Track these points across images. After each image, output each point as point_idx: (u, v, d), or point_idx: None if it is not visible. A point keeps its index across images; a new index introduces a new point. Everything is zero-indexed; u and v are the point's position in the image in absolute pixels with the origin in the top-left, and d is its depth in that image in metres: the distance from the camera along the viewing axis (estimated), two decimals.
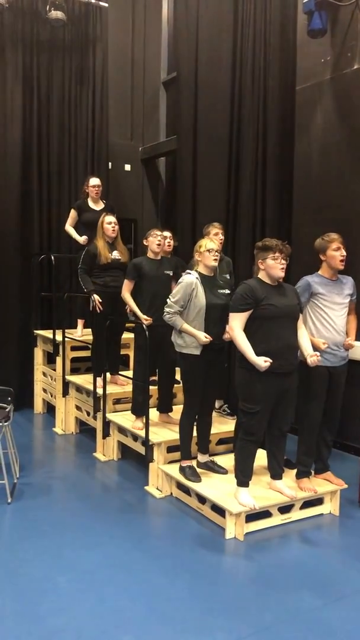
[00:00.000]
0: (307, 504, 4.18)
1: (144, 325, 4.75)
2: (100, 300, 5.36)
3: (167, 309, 4.24)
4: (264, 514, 3.97)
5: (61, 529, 3.93)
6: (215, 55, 5.90)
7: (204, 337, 4.11)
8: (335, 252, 4.12)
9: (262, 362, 3.67)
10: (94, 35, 7.24)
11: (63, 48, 7.01)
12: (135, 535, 3.88)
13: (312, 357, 3.84)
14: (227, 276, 5.04)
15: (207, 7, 5.96)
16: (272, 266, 3.78)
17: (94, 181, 6.25)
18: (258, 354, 3.73)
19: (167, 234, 5.53)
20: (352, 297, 4.26)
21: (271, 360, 3.68)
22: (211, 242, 4.27)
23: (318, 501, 4.24)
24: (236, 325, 3.80)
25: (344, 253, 4.14)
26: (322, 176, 5.84)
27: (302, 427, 4.26)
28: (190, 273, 4.26)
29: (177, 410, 4.97)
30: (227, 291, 4.32)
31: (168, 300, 4.26)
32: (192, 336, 4.15)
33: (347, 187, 5.54)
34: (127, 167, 8.58)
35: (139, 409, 4.93)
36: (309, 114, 5.94)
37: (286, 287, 3.93)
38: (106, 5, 7.27)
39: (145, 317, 4.84)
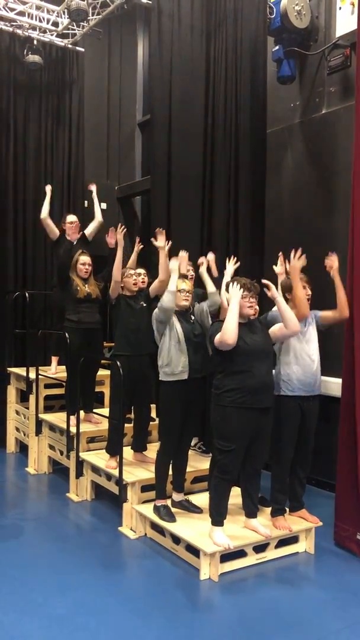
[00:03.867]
0: (282, 542, 4.14)
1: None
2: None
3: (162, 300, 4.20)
4: (239, 553, 3.92)
5: (32, 572, 3.83)
6: (189, 98, 6.05)
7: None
8: None
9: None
10: (71, 78, 7.40)
11: (40, 90, 7.15)
12: (108, 577, 3.79)
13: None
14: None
15: (181, 52, 6.15)
16: (241, 304, 3.84)
17: (71, 218, 6.31)
18: (233, 390, 3.76)
19: (141, 270, 5.57)
20: (317, 316, 4.31)
21: None
22: (183, 283, 4.33)
23: (293, 539, 4.20)
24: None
25: (309, 292, 4.22)
26: (293, 215, 5.97)
27: (275, 464, 4.25)
28: None
29: (152, 449, 4.93)
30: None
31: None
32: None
33: (317, 226, 5.67)
34: (104, 206, 8.65)
35: (113, 448, 4.88)
36: (280, 156, 6.11)
37: (258, 324, 3.98)
38: (82, 50, 7.47)
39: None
